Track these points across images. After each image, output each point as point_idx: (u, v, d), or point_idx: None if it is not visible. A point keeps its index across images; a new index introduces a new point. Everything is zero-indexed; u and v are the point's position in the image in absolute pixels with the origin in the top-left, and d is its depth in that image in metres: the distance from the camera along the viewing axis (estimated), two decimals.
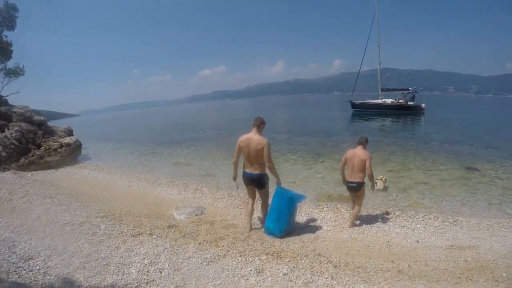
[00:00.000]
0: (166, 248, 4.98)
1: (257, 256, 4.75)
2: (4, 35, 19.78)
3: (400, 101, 37.82)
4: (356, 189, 6.08)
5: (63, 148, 15.03)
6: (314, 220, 6.63)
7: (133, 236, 5.51)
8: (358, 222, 6.49)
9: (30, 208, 7.20)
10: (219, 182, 10.62)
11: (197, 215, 6.99)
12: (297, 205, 6.00)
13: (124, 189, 9.84)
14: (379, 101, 39.74)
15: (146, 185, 10.28)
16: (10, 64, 20.99)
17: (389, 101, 38.73)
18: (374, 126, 28.00)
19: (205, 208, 7.46)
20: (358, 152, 5.99)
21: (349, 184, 6.10)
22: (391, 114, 36.15)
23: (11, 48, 20.38)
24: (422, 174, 10.75)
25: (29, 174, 12.52)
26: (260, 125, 5.50)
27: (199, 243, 5.24)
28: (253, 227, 6.03)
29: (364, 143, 6.15)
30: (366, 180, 6.11)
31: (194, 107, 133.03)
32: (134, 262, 4.56)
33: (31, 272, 4.25)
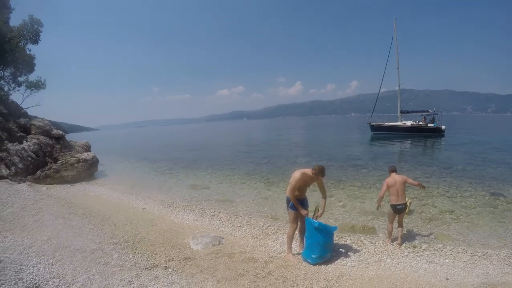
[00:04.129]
0: (183, 287, 4.56)
1: None
2: (28, 48, 20.22)
3: (420, 123, 37.23)
4: (403, 210, 6.76)
5: (80, 163, 14.92)
6: (337, 254, 6.16)
7: (147, 268, 5.11)
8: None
9: (41, 228, 6.92)
10: (237, 208, 10.17)
11: (214, 245, 6.57)
12: (330, 234, 5.94)
13: (139, 211, 9.49)
14: (399, 123, 39.23)
15: (161, 208, 9.93)
16: (32, 77, 21.39)
17: (408, 123, 38.24)
18: (394, 149, 27.26)
19: (223, 238, 7.03)
20: (398, 178, 6.75)
21: (398, 207, 6.67)
22: (411, 136, 35.57)
23: (33, 62, 20.81)
24: (446, 201, 10.15)
25: (44, 188, 12.37)
26: (312, 169, 5.85)
27: (218, 281, 4.81)
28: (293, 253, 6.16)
29: (395, 170, 7.09)
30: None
31: (212, 126, 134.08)
32: None
33: None
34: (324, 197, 6.10)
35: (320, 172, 5.74)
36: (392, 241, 6.79)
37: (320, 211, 6.04)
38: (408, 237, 7.21)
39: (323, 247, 5.70)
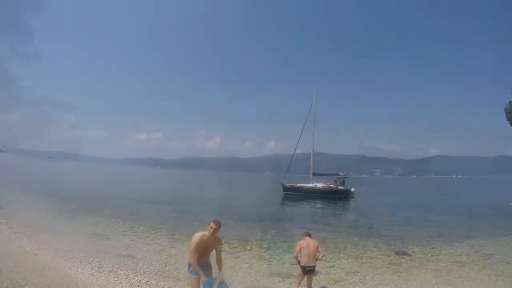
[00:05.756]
0: None
1: None
2: None
3: (330, 185, 39.70)
4: (312, 271, 7.27)
5: None
6: None
7: None
8: None
9: None
10: (138, 265, 9.65)
11: None
12: None
13: (30, 257, 8.83)
14: (311, 185, 41.23)
15: (55, 257, 9.30)
16: None
17: (320, 185, 40.38)
18: (304, 211, 28.42)
19: None
20: (311, 242, 7.33)
21: (307, 268, 7.13)
22: (322, 197, 37.38)
23: None
24: (353, 262, 10.75)
25: None
26: (209, 225, 5.70)
27: None
28: None
29: (309, 234, 7.67)
30: None
31: (125, 170, 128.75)
32: None
33: None
34: (220, 268, 5.95)
35: (218, 226, 5.68)
36: None
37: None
38: None
39: None
